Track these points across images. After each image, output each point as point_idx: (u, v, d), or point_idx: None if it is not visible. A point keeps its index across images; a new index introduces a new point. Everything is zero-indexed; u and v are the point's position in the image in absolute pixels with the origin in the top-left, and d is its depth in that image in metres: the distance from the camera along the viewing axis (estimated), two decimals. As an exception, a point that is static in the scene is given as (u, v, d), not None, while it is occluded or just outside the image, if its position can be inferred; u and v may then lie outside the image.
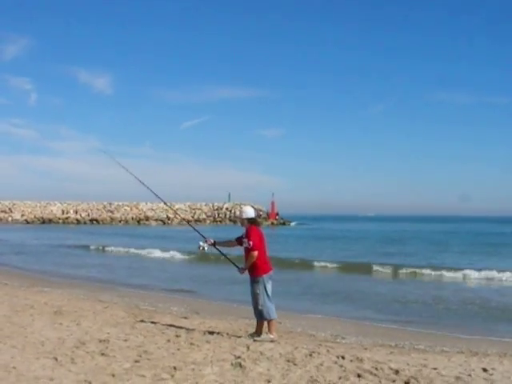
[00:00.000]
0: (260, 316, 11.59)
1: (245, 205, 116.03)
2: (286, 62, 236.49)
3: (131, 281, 26.29)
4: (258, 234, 11.62)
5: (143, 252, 42.03)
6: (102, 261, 37.25)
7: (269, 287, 11.54)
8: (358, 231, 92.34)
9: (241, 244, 11.87)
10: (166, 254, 40.19)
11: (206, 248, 12.32)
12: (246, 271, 11.60)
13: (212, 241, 12.32)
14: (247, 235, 11.61)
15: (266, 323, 11.67)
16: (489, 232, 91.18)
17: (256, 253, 11.43)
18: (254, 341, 11.23)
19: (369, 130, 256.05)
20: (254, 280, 11.52)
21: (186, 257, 38.55)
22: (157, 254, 40.83)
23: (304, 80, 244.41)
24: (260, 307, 11.46)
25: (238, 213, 12.15)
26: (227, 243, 12.28)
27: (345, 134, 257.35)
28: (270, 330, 11.62)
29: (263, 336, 11.55)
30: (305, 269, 32.00)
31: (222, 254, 12.55)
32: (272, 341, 11.32)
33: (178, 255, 39.61)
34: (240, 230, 12.06)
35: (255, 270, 11.51)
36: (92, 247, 47.56)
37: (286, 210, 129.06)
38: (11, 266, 32.58)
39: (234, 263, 12.12)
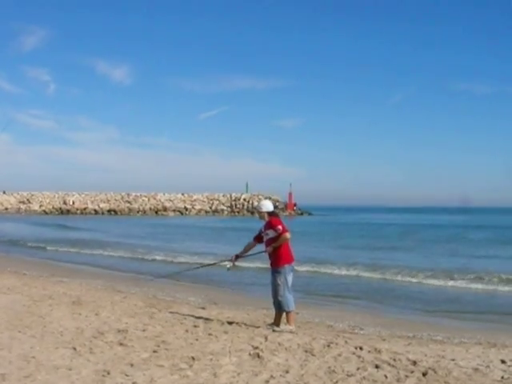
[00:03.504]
0: (279, 307, 11.59)
1: (263, 198, 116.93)
2: (303, 52, 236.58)
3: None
4: (283, 222, 11.66)
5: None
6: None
7: (289, 278, 11.54)
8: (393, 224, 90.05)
9: (260, 241, 11.90)
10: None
11: (233, 265, 12.43)
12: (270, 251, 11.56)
13: (234, 256, 12.30)
14: (271, 225, 11.59)
15: (284, 314, 11.68)
16: None
17: (288, 234, 11.49)
18: (273, 331, 11.24)
19: (387, 120, 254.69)
20: (276, 270, 11.52)
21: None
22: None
23: (321, 70, 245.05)
24: (280, 298, 11.45)
25: (257, 206, 12.07)
26: (248, 248, 12.23)
27: (363, 124, 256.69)
28: (288, 321, 11.62)
29: (282, 327, 11.55)
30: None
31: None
32: (291, 332, 11.32)
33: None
34: (256, 222, 12.10)
35: (278, 260, 11.52)
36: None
37: (305, 200, 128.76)
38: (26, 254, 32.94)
39: (257, 253, 12.15)
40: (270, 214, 11.82)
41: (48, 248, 37.70)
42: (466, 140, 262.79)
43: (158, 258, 31.97)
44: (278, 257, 11.52)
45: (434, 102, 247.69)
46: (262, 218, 11.88)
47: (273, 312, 11.96)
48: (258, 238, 11.96)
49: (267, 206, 11.94)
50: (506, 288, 21.58)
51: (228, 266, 12.43)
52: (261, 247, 11.91)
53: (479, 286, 22.18)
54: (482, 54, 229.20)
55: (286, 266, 11.53)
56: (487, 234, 59.42)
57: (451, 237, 53.71)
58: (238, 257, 12.26)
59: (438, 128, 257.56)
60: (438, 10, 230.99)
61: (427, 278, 23.83)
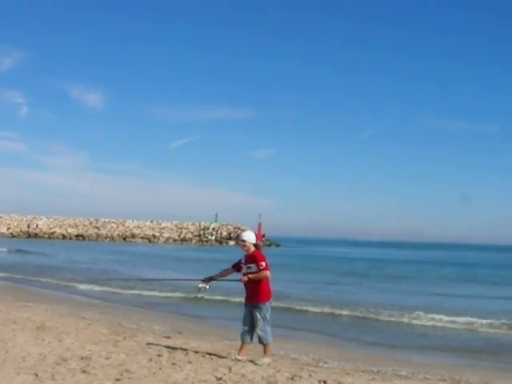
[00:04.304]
0: (259, 340, 11.49)
1: (232, 228, 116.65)
2: (276, 83, 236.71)
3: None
4: (266, 259, 11.54)
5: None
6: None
7: (268, 314, 11.51)
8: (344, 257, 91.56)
9: (238, 270, 11.71)
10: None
11: (207, 287, 12.04)
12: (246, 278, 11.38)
13: (207, 278, 12.06)
14: (255, 259, 11.43)
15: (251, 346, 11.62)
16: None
17: (268, 273, 11.39)
18: (256, 364, 11.16)
19: (359, 153, 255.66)
20: (257, 306, 11.41)
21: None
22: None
23: (294, 101, 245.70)
24: (260, 332, 11.37)
25: (242, 236, 11.88)
26: (224, 273, 12.06)
27: (334, 157, 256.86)
28: (266, 353, 11.53)
29: (260, 359, 11.45)
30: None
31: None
32: (269, 364, 11.27)
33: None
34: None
35: (259, 296, 11.45)
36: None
37: (274, 232, 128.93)
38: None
39: (231, 280, 12.02)
40: (255, 246, 11.74)
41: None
42: (436, 174, 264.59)
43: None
44: (260, 293, 11.45)
45: (405, 137, 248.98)
46: (245, 249, 11.63)
47: (237, 343, 11.91)
48: (237, 267, 11.76)
49: (253, 237, 11.82)
50: (472, 325, 21.67)
51: (200, 285, 12.22)
52: (236, 276, 11.76)
53: (445, 322, 22.24)
54: (452, 89, 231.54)
55: (267, 302, 11.51)
56: (453, 270, 59.84)
57: (417, 273, 53.92)
58: (211, 279, 12.09)
59: (409, 162, 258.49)
60: (411, 43, 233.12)
61: (393, 314, 23.79)
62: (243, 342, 11.64)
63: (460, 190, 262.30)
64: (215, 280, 12.11)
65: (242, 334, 11.63)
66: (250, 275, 11.34)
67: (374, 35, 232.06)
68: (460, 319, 22.39)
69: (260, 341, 11.51)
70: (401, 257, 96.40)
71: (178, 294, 27.43)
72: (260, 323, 11.37)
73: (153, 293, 28.18)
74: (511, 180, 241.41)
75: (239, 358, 11.48)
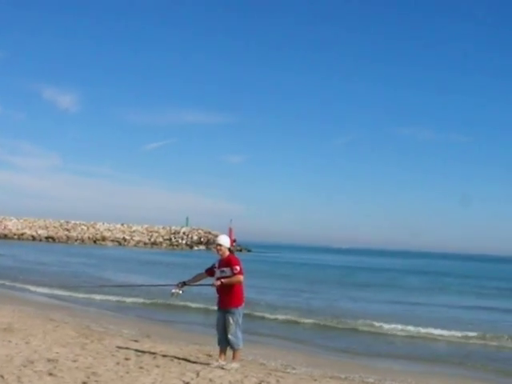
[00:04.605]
0: (229, 345, 11.51)
1: (203, 232, 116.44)
2: (252, 88, 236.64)
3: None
4: (241, 263, 11.55)
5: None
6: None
7: (240, 319, 11.53)
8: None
9: (212, 275, 11.71)
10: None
11: (180, 292, 12.00)
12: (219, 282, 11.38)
13: (181, 283, 12.05)
14: (230, 263, 11.44)
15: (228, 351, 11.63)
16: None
17: (242, 277, 11.43)
18: (222, 368, 11.18)
19: (332, 160, 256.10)
20: (230, 311, 11.43)
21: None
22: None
23: (268, 107, 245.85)
24: (231, 336, 11.38)
25: (218, 240, 11.82)
26: (197, 278, 12.05)
27: (307, 163, 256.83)
28: (234, 358, 11.56)
29: (228, 364, 11.46)
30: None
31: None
32: (237, 369, 11.28)
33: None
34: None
35: (232, 301, 11.46)
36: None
37: (245, 237, 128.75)
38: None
39: (204, 284, 12.02)
40: (229, 250, 11.73)
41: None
42: (407, 182, 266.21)
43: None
44: (233, 298, 11.46)
45: (378, 144, 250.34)
46: (220, 253, 11.63)
47: (205, 347, 11.92)
48: (210, 272, 11.78)
49: (228, 241, 11.82)
50: (439, 333, 21.83)
51: (173, 291, 12.17)
52: (210, 281, 11.71)
53: (413, 331, 22.32)
54: (426, 100, 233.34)
55: (240, 307, 11.53)
56: (421, 279, 60.27)
57: (387, 281, 54.15)
58: (184, 284, 12.07)
59: (381, 169, 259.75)
60: (387, 52, 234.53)
61: (361, 322, 23.82)
62: (221, 348, 11.67)
63: (430, 198, 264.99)
64: (188, 285, 12.12)
65: (219, 340, 11.66)
66: (223, 280, 11.36)
67: (348, 42, 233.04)
68: (428, 328, 22.50)
69: (230, 345, 11.52)
70: (371, 264, 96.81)
71: (145, 300, 27.12)
72: (232, 328, 11.39)
73: (121, 298, 27.83)
74: (477, 188, 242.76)
75: (222, 362, 11.51)
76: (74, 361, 10.89)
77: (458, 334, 21.81)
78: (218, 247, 11.68)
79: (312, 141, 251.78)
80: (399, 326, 22.86)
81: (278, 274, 54.97)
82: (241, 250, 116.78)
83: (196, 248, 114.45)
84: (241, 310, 11.55)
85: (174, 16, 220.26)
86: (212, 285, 11.53)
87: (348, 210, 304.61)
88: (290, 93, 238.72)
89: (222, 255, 11.60)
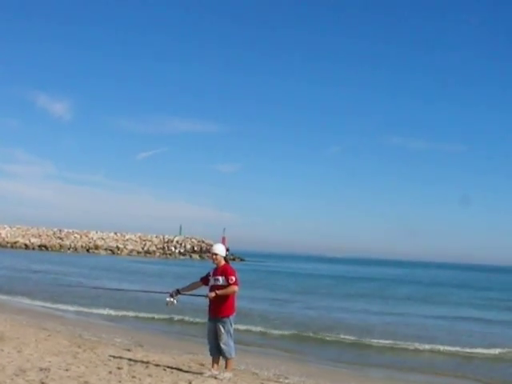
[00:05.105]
0: (221, 354, 11.51)
1: (196, 241, 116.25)
2: (244, 97, 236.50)
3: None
4: (236, 273, 11.55)
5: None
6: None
7: (232, 327, 11.54)
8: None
9: (206, 283, 11.72)
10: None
11: (174, 301, 11.95)
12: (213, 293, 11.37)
13: (175, 291, 12.03)
14: (226, 273, 11.46)
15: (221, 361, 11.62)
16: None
17: (237, 288, 11.44)
18: (215, 378, 11.17)
19: (324, 168, 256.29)
20: (222, 320, 11.43)
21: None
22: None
23: (261, 116, 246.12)
24: (223, 345, 11.37)
25: (214, 249, 11.84)
26: (192, 286, 12.06)
27: (299, 172, 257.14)
28: (227, 367, 11.54)
29: (221, 373, 11.44)
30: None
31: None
32: (230, 379, 11.27)
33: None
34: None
35: (225, 310, 11.46)
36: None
37: (238, 246, 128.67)
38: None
39: (198, 295, 11.98)
40: (225, 259, 11.76)
41: None
42: (405, 190, 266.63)
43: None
44: (225, 307, 11.45)
45: (371, 154, 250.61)
46: (216, 261, 11.67)
47: (197, 356, 11.91)
48: (205, 280, 11.77)
49: (223, 250, 11.82)
50: (432, 345, 21.71)
51: (167, 299, 12.13)
52: (204, 290, 11.72)
53: (406, 343, 22.24)
54: (418, 109, 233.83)
55: (231, 316, 11.53)
56: (412, 289, 60.30)
57: (378, 291, 54.12)
58: (178, 292, 12.04)
59: (373, 178, 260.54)
60: (378, 59, 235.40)
61: (352, 333, 23.66)
62: (213, 357, 11.67)
63: (426, 206, 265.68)
64: (183, 294, 12.11)
65: (210, 350, 11.66)
66: (217, 291, 11.36)
67: (343, 52, 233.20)
68: (420, 339, 22.49)
69: (223, 355, 11.52)
70: (364, 274, 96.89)
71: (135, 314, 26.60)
72: (224, 337, 11.39)
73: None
74: (471, 197, 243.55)
75: (215, 372, 11.50)
76: (67, 370, 10.86)
77: (452, 345, 21.74)
78: (214, 256, 11.70)
79: (305, 149, 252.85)
80: (387, 340, 22.69)
81: (270, 284, 54.84)
82: (234, 259, 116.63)
83: (190, 257, 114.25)
84: (232, 319, 11.54)
85: (167, 24, 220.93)
86: (206, 296, 11.54)
87: (342, 218, 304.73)
88: (282, 102, 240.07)
89: (217, 264, 11.62)
